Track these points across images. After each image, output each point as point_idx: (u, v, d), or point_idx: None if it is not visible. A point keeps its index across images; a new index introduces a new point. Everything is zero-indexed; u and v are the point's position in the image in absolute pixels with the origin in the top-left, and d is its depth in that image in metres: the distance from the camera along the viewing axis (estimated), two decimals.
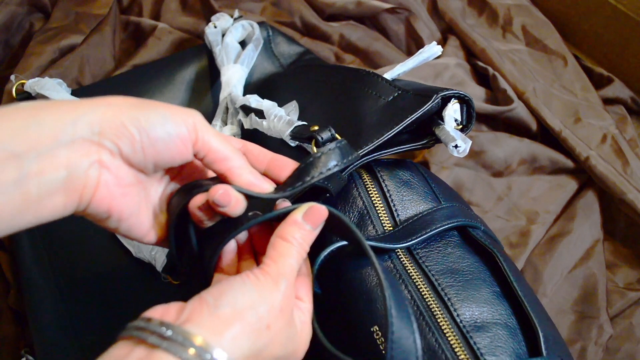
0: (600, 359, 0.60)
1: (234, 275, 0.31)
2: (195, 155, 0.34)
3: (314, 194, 0.42)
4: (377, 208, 0.44)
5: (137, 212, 0.34)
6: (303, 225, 0.34)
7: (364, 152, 0.42)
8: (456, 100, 0.44)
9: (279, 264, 0.32)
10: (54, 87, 0.59)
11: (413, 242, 0.41)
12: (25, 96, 0.60)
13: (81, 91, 0.63)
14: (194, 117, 0.33)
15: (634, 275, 0.66)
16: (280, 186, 0.37)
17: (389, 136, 0.43)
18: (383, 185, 0.45)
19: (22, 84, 0.60)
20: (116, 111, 0.30)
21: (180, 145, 0.32)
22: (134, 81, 0.64)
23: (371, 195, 0.44)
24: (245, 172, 0.35)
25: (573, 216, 0.68)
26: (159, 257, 0.50)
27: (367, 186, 0.45)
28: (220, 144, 0.34)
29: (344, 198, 0.45)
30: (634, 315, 0.63)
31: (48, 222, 0.30)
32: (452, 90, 0.43)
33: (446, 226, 0.42)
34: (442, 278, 0.40)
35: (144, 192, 0.35)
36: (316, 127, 0.42)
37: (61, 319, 0.51)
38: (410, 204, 0.44)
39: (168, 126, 0.31)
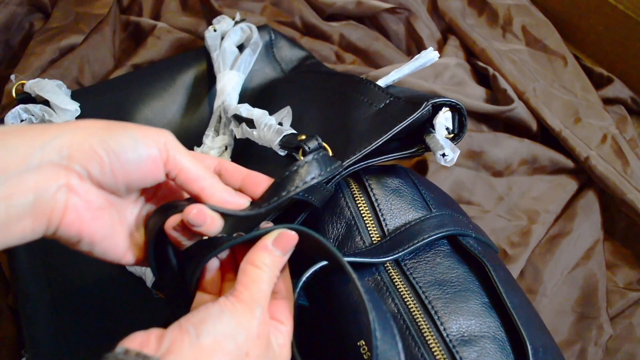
0: (600, 359, 0.60)
1: (211, 302, 0.31)
2: (167, 176, 0.34)
3: (299, 207, 0.42)
4: (364, 218, 0.43)
5: (110, 235, 0.33)
6: (273, 251, 0.34)
7: (351, 162, 0.42)
8: (447, 109, 0.44)
9: (252, 291, 0.32)
10: (54, 89, 0.59)
11: (400, 254, 0.40)
12: (25, 96, 0.60)
13: (81, 92, 0.63)
14: (165, 136, 0.33)
15: (634, 275, 0.66)
16: (256, 202, 0.36)
17: (378, 145, 0.42)
18: (371, 194, 0.44)
19: (22, 84, 0.60)
20: (85, 135, 0.30)
21: (152, 165, 0.32)
22: (134, 84, 0.64)
23: (359, 205, 0.44)
24: (218, 191, 0.34)
25: (573, 216, 0.68)
26: (149, 273, 0.50)
27: (354, 196, 0.44)
28: (191, 164, 0.33)
29: (332, 209, 0.44)
30: (634, 315, 0.63)
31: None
32: (444, 97, 0.43)
33: (434, 236, 0.41)
34: (430, 290, 0.39)
35: (118, 215, 0.34)
36: (303, 137, 0.41)
37: (55, 329, 0.51)
38: (399, 212, 0.43)
39: (138, 147, 0.31)
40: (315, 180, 0.37)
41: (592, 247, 0.66)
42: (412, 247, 0.40)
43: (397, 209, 0.43)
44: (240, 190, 0.37)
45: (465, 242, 0.42)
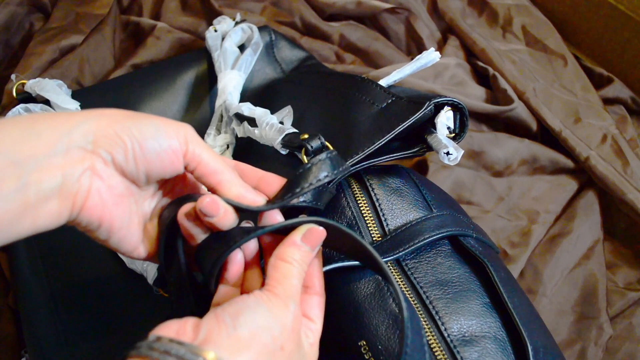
0: (600, 359, 0.60)
1: (246, 295, 0.32)
2: (186, 168, 0.34)
3: (302, 206, 0.42)
4: (365, 218, 0.43)
5: (127, 224, 0.34)
6: (302, 246, 0.34)
7: (353, 162, 0.42)
8: (449, 108, 0.43)
9: (285, 286, 0.32)
10: (54, 89, 0.59)
11: (401, 254, 0.40)
12: (25, 96, 0.60)
13: (82, 92, 0.63)
14: (186, 129, 0.34)
15: (634, 275, 0.66)
16: (270, 200, 0.36)
17: (380, 144, 0.42)
18: (372, 194, 0.44)
19: (23, 84, 0.60)
20: (110, 121, 0.31)
21: (172, 156, 0.33)
22: (135, 84, 0.64)
23: (360, 205, 0.44)
24: (235, 186, 0.35)
25: (573, 216, 0.68)
26: (150, 270, 0.50)
27: (355, 195, 0.44)
28: (211, 158, 0.34)
29: (333, 208, 0.44)
30: (634, 315, 0.63)
31: (44, 232, 0.30)
32: (446, 97, 0.43)
33: (435, 237, 0.41)
34: (431, 290, 0.39)
35: (136, 206, 0.35)
36: (306, 136, 0.42)
37: (55, 329, 0.51)
38: (400, 212, 0.43)
39: (160, 137, 0.32)
40: (327, 179, 0.37)
41: (592, 247, 0.66)
42: (413, 247, 0.40)
43: (398, 209, 0.43)
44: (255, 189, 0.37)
45: (466, 242, 0.42)
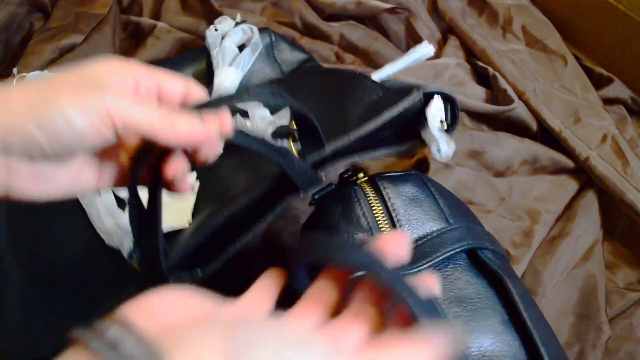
0: None
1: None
2: (120, 137, 0.31)
3: (284, 189, 0.41)
4: (382, 229, 0.41)
5: (74, 178, 0.34)
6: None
7: (347, 143, 0.41)
8: (438, 96, 0.43)
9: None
10: None
11: (422, 268, 0.39)
12: None
13: None
14: (104, 99, 0.30)
15: (634, 275, 0.66)
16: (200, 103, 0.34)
17: (371, 129, 0.41)
18: (389, 203, 0.42)
19: (23, 77, 0.60)
20: (18, 117, 0.29)
21: (94, 133, 0.30)
22: None
23: (376, 215, 0.42)
24: (177, 122, 0.32)
25: (573, 216, 0.67)
26: (126, 243, 0.48)
27: (371, 204, 0.43)
28: (142, 115, 0.31)
29: (347, 217, 0.42)
30: (634, 315, 0.62)
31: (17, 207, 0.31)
32: (434, 87, 0.43)
33: (456, 250, 0.40)
34: (450, 307, 0.38)
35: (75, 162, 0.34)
36: (294, 125, 0.42)
37: (26, 309, 0.48)
38: (417, 223, 0.42)
39: (73, 120, 0.29)
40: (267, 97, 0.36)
41: (591, 248, 0.66)
42: (434, 261, 0.39)
43: (416, 220, 0.42)
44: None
45: (483, 255, 0.41)
